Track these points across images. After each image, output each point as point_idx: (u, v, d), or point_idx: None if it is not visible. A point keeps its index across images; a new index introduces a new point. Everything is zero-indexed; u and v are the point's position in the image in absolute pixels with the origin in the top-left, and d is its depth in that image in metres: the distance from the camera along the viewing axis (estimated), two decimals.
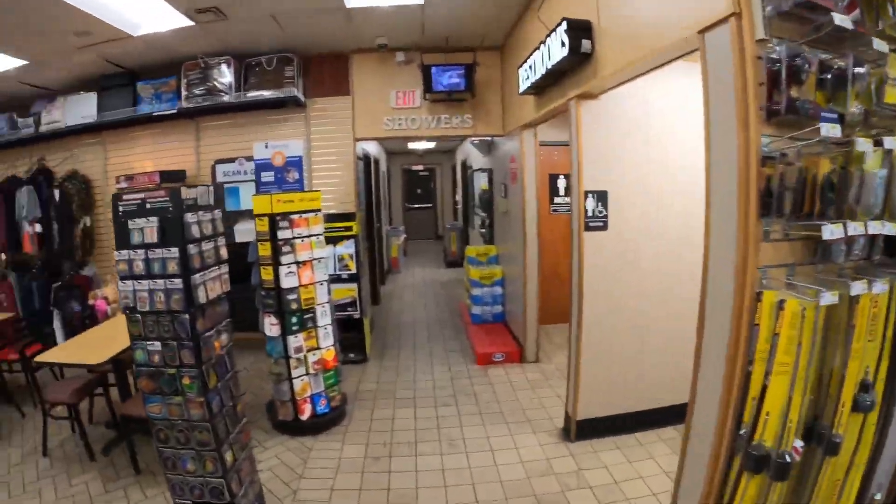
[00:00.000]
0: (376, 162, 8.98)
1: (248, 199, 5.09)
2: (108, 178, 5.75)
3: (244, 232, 5.20)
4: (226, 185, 5.38)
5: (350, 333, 5.11)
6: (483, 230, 6.90)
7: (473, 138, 6.59)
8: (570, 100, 3.34)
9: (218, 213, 2.64)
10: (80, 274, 5.61)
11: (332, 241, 5.18)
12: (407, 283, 9.37)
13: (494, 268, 5.93)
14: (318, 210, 3.92)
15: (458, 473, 3.16)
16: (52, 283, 5.47)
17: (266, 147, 4.31)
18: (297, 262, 3.71)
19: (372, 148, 8.62)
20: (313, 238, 3.83)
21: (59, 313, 5.37)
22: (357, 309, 5.15)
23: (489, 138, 6.33)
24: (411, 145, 11.48)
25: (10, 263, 5.72)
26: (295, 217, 3.73)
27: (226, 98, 5.06)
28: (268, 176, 4.30)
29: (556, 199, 6.08)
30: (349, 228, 5.20)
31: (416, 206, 15.20)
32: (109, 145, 5.76)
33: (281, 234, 3.66)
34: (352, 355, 5.13)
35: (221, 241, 2.64)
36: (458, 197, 11.46)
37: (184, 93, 5.13)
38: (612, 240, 3.33)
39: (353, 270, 5.13)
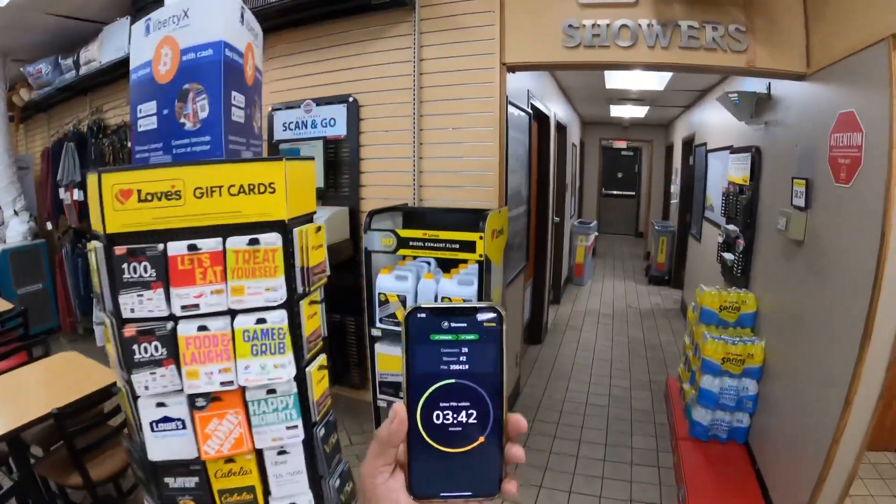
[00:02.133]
0: (562, 128, 6.30)
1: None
2: None
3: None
4: (282, 146, 3.42)
5: None
6: (728, 255, 3.84)
7: (731, 91, 3.57)
8: None
9: None
10: None
11: (444, 265, 2.93)
12: (590, 307, 6.63)
13: (751, 343, 2.98)
14: (280, 227, 1.42)
15: None
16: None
17: (147, 32, 1.55)
18: (197, 399, 1.39)
19: (560, 109, 5.98)
20: (250, 323, 1.39)
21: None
22: None
23: (765, 84, 3.26)
24: (614, 111, 8.47)
25: (67, 233, 4.73)
26: (180, 253, 1.34)
27: None
28: (147, 114, 1.55)
29: None
30: (470, 246, 2.74)
31: (615, 192, 12.09)
32: None
33: (129, 304, 1.34)
34: None
35: None
36: (674, 188, 8.13)
37: None
38: None
39: None
